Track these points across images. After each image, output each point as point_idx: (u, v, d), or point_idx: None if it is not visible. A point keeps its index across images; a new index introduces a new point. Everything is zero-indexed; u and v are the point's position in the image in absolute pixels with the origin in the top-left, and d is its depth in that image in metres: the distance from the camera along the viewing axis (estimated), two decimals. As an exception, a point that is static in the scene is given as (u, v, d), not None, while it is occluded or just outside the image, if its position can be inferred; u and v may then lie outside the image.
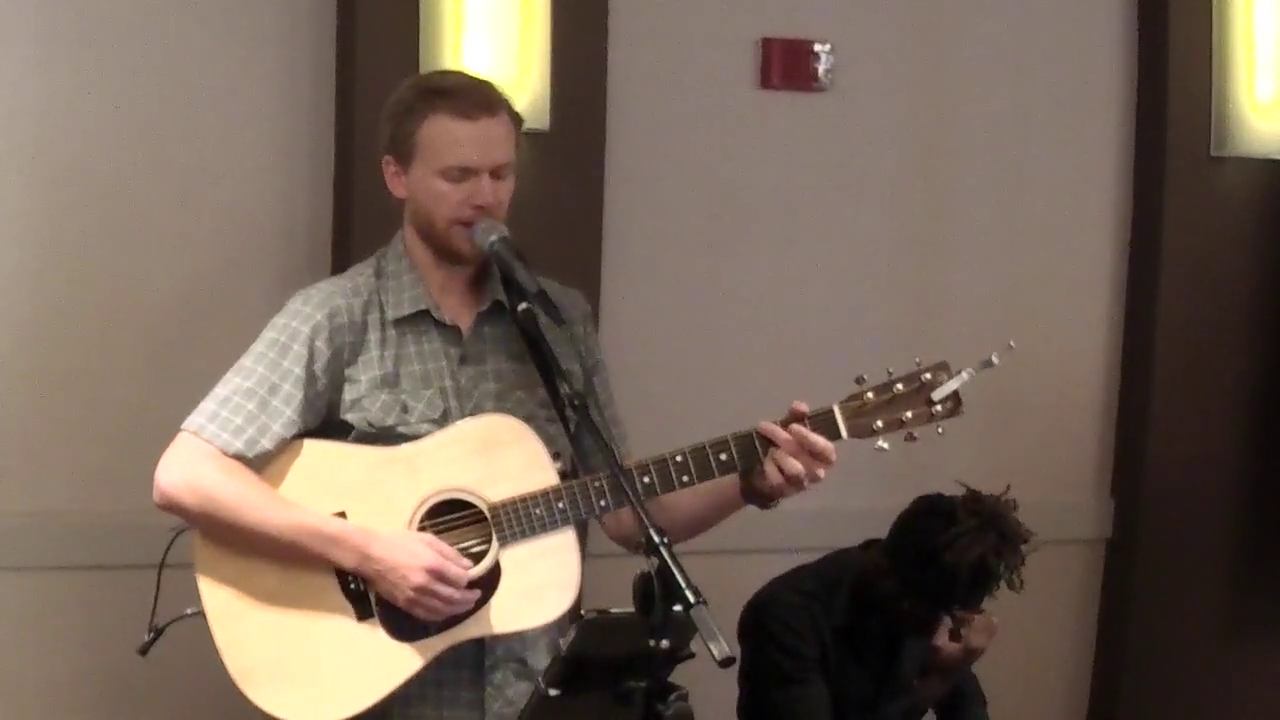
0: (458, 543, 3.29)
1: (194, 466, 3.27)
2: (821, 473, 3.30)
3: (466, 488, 3.30)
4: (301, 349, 3.33)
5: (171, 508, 3.30)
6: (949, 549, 4.10)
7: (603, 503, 3.28)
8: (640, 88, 4.94)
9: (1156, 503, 5.46)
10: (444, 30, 4.61)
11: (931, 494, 4.26)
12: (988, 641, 4.23)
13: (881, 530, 4.32)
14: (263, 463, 3.30)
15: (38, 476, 4.49)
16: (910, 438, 3.34)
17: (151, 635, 3.37)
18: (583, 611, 2.85)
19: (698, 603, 2.83)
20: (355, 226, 4.57)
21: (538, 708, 2.87)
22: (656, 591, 2.85)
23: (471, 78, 3.48)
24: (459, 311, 3.43)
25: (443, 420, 3.35)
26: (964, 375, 3.33)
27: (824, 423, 3.31)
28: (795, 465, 3.28)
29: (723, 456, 3.30)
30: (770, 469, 3.29)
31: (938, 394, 3.33)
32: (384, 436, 3.34)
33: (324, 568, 3.27)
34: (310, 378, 3.33)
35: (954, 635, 4.20)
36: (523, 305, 3.29)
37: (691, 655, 2.86)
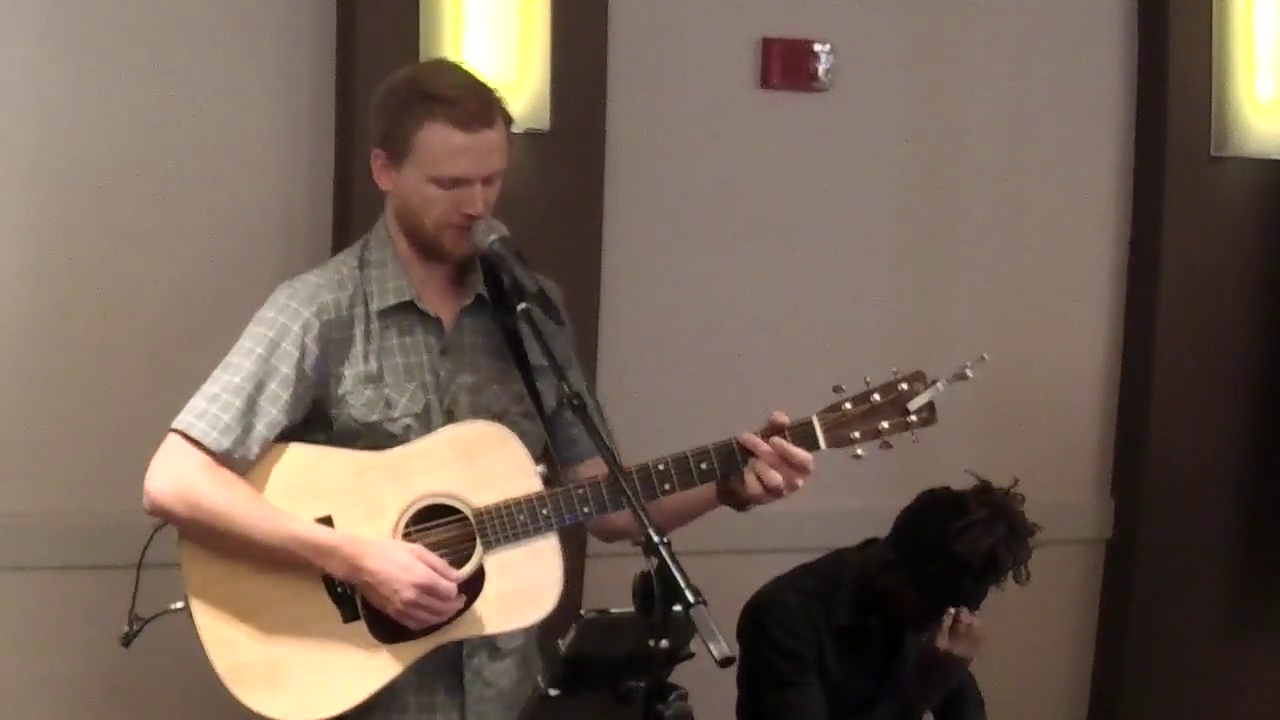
0: (442, 547, 3.30)
1: (183, 474, 3.28)
2: (800, 482, 3.34)
3: (452, 493, 3.31)
4: (291, 347, 3.33)
5: (160, 514, 3.31)
6: (959, 539, 4.10)
7: (585, 509, 3.30)
8: (640, 88, 4.93)
9: (1156, 503, 5.46)
10: (444, 30, 4.61)
11: (938, 487, 4.27)
12: (970, 651, 4.20)
13: (881, 530, 4.32)
14: (250, 465, 3.31)
15: (38, 476, 4.49)
16: (885, 445, 3.37)
17: (133, 627, 3.36)
18: (583, 611, 2.86)
19: (697, 603, 2.83)
20: (355, 226, 4.56)
21: (538, 708, 2.87)
22: (656, 591, 2.85)
23: (469, 79, 3.43)
24: (441, 303, 3.43)
25: (425, 414, 3.37)
26: (939, 386, 3.38)
27: (803, 434, 3.35)
28: (775, 476, 3.31)
29: (704, 465, 3.33)
30: (750, 479, 3.33)
31: (913, 404, 3.37)
32: (367, 433, 3.35)
33: (311, 570, 3.29)
34: (298, 376, 3.33)
35: (930, 639, 4.19)
36: (521, 305, 3.30)
37: (691, 655, 2.86)
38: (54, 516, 4.50)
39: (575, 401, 3.24)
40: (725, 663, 2.80)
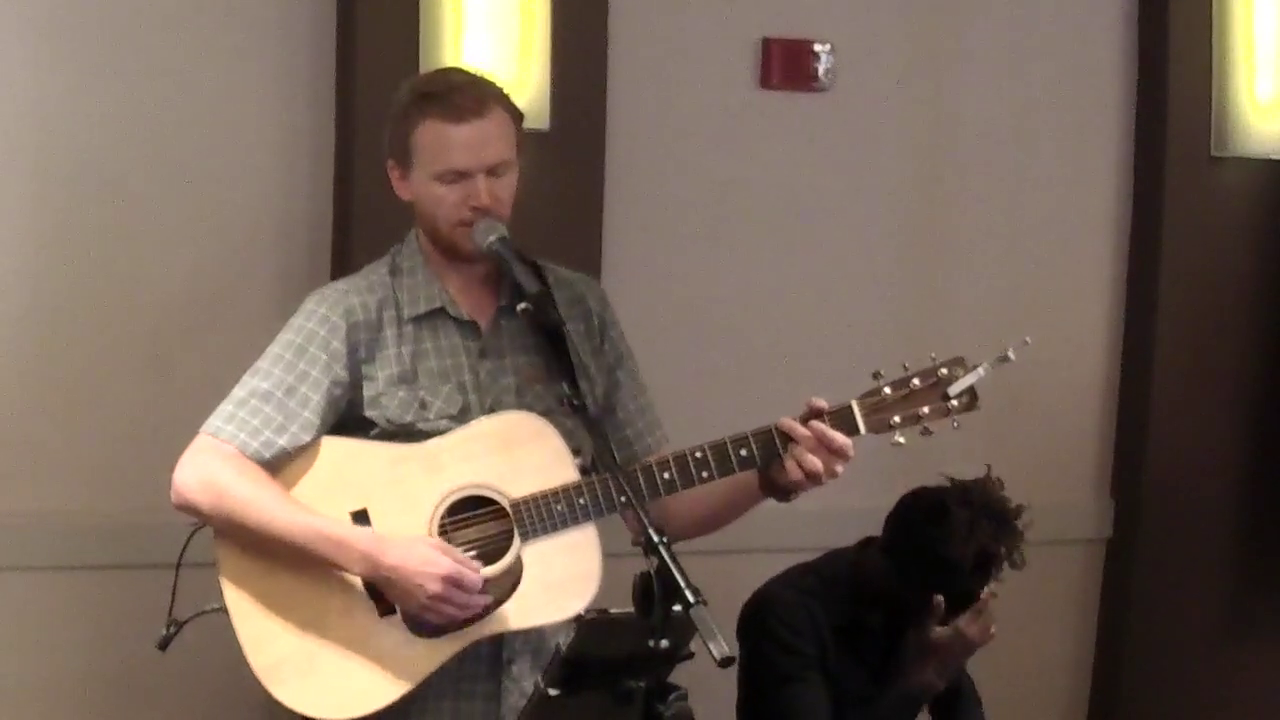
0: (479, 538, 3.30)
1: (209, 466, 3.28)
2: (840, 468, 3.32)
3: (488, 484, 3.30)
4: (318, 350, 3.34)
5: (186, 508, 3.31)
6: (949, 544, 4.11)
7: (623, 499, 3.26)
8: (640, 87, 4.94)
9: (1156, 503, 5.46)
10: (444, 30, 4.61)
11: (918, 489, 4.27)
12: (981, 634, 4.20)
13: (879, 530, 4.32)
14: (284, 461, 3.31)
15: (38, 476, 4.49)
16: (926, 432, 3.35)
17: (171, 630, 3.37)
18: (583, 611, 2.86)
19: (697, 602, 2.83)
20: (355, 226, 4.57)
21: (538, 708, 2.87)
22: (656, 591, 2.85)
23: (465, 76, 3.47)
24: (477, 307, 3.44)
25: (461, 416, 3.36)
26: (980, 371, 3.35)
27: (842, 419, 3.32)
28: (814, 461, 3.29)
29: (743, 452, 3.32)
30: (790, 465, 3.31)
31: (954, 389, 3.34)
32: (404, 433, 3.35)
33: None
34: (327, 379, 3.34)
35: (943, 620, 4.19)
36: (521, 305, 3.30)
37: (691, 655, 2.86)
38: (54, 516, 4.50)
39: (575, 402, 3.25)
40: (725, 663, 2.80)
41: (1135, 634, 5.47)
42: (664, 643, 2.82)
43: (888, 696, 4.28)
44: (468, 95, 3.36)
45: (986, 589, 4.17)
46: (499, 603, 3.28)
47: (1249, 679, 5.53)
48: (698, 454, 3.31)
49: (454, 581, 3.20)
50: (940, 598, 4.16)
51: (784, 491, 3.36)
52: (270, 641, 3.28)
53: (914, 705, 4.32)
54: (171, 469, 3.32)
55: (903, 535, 4.24)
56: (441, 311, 3.41)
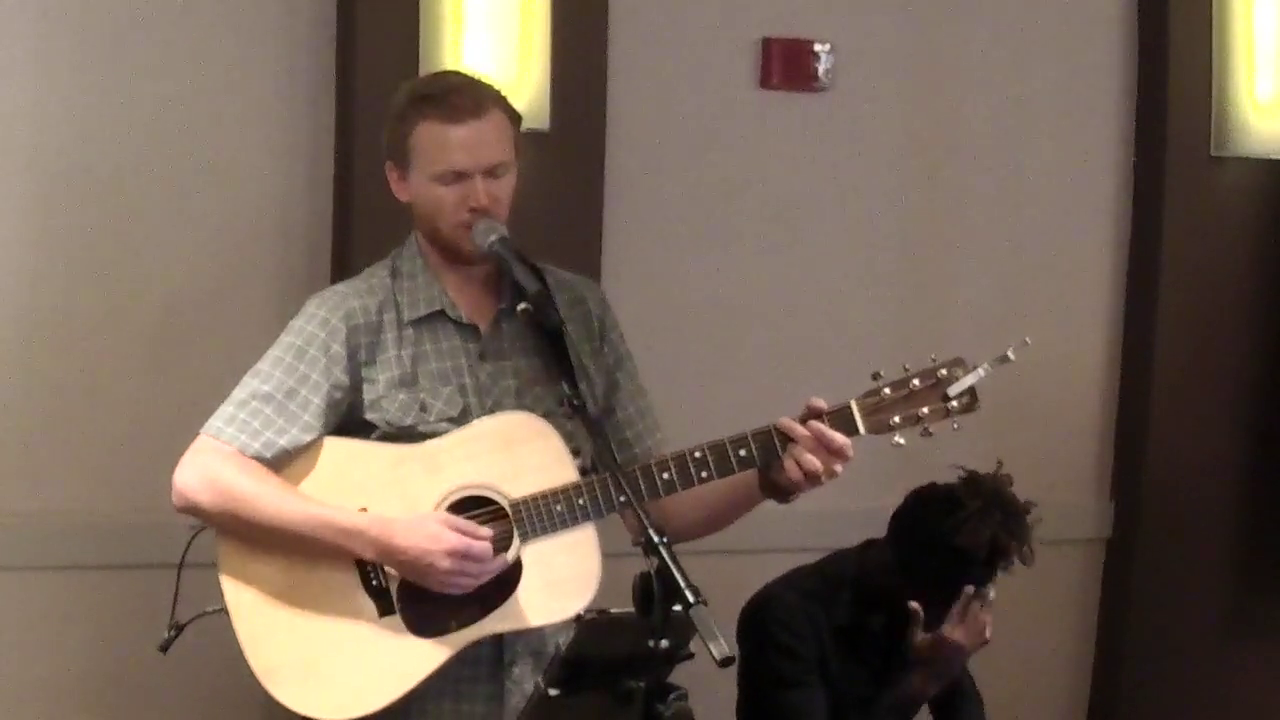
0: None
1: (210, 466, 3.29)
2: (839, 468, 3.32)
3: (488, 484, 3.31)
4: (317, 353, 3.35)
5: (190, 509, 3.32)
6: (959, 533, 4.11)
7: (623, 499, 3.26)
8: (640, 87, 4.94)
9: (1156, 503, 5.46)
10: (444, 30, 4.61)
11: (926, 485, 4.27)
12: (970, 637, 4.19)
13: (881, 530, 4.32)
14: (284, 462, 3.32)
15: (38, 476, 4.49)
16: (925, 433, 3.35)
17: (173, 632, 3.38)
18: (583, 611, 2.86)
19: (697, 603, 2.84)
20: (355, 227, 4.57)
21: (538, 708, 2.87)
22: (656, 591, 2.85)
23: (462, 78, 3.49)
24: (477, 309, 3.44)
25: (462, 418, 3.37)
26: (980, 371, 3.35)
27: (841, 419, 3.33)
28: (813, 461, 3.29)
29: (742, 453, 3.32)
30: (789, 465, 3.31)
31: (953, 389, 3.35)
32: (404, 436, 3.36)
33: (345, 564, 3.29)
34: (327, 382, 3.35)
35: (927, 626, 4.19)
36: (521, 305, 3.30)
37: (691, 655, 2.86)
38: (53, 516, 4.50)
39: (574, 403, 3.25)
40: (725, 663, 2.81)
41: (1135, 634, 5.47)
42: (664, 643, 2.83)
43: (881, 704, 4.28)
44: (465, 96, 3.37)
45: (966, 590, 4.16)
46: (500, 602, 3.28)
47: (1249, 679, 5.53)
48: (697, 454, 3.31)
49: (462, 554, 3.21)
50: (916, 605, 4.15)
51: (784, 492, 3.37)
52: (270, 642, 3.28)
53: (906, 712, 4.31)
54: (171, 469, 3.32)
55: (912, 530, 4.23)
56: (441, 314, 3.42)
